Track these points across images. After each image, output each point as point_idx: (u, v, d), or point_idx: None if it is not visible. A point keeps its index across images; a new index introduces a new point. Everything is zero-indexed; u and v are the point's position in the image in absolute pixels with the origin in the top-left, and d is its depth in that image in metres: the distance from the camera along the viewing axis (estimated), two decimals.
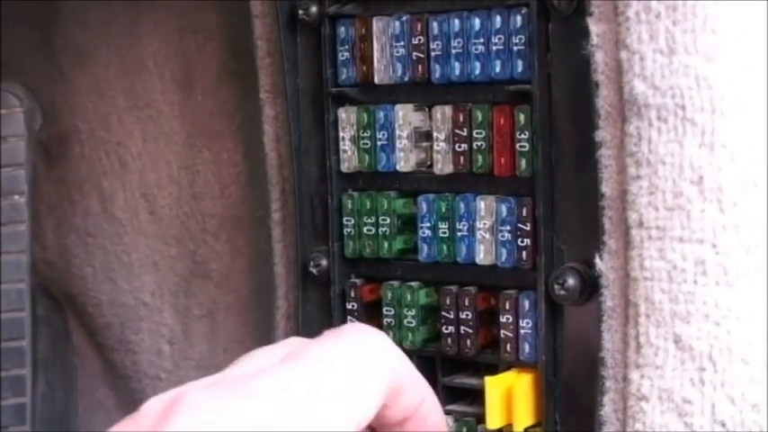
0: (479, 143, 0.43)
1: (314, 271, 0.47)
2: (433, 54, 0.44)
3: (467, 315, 0.44)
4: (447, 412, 0.45)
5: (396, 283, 0.46)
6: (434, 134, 0.44)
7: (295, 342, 0.36)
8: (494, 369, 0.44)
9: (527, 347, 0.42)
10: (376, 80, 0.45)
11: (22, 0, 0.60)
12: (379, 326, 0.46)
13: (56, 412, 0.58)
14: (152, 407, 0.31)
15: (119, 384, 0.60)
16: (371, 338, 0.35)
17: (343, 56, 0.46)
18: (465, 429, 0.44)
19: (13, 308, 0.54)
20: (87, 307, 0.60)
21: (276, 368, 0.31)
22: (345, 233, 0.46)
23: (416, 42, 0.44)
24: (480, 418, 0.44)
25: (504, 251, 0.43)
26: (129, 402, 0.60)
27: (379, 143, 0.45)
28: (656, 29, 0.36)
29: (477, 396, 0.45)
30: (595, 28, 0.38)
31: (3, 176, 0.55)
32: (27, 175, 0.55)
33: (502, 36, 0.42)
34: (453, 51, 0.43)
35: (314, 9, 0.46)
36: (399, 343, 0.45)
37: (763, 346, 0.36)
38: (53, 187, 0.60)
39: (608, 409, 0.39)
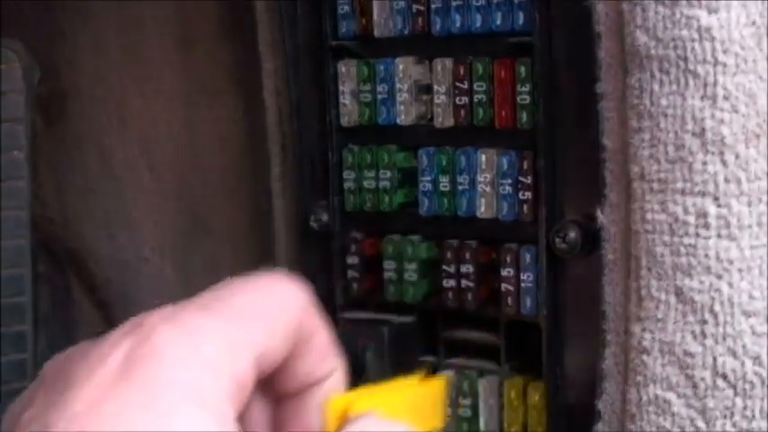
0: (480, 96, 0.43)
1: (314, 225, 0.47)
2: (433, 6, 0.43)
3: (468, 269, 0.43)
4: (448, 366, 0.45)
5: (396, 237, 0.46)
6: (435, 87, 0.44)
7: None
8: (495, 323, 0.44)
9: (528, 301, 0.42)
10: (376, 33, 0.45)
11: None
12: (380, 281, 0.46)
13: None
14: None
15: None
16: (285, 287, 0.33)
17: (342, 9, 0.46)
18: (466, 383, 0.44)
19: (13, 264, 0.54)
20: (88, 263, 0.60)
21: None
22: (346, 187, 0.46)
23: None
24: (482, 372, 0.44)
25: (505, 204, 0.43)
26: None
27: (379, 97, 0.45)
28: None
29: (478, 350, 0.45)
30: None
31: (2, 131, 0.55)
32: (26, 131, 0.55)
33: None
34: (453, 3, 0.43)
35: None
36: (400, 296, 0.45)
37: (765, 298, 0.36)
38: (52, 144, 0.60)
39: (609, 362, 0.39)
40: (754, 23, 0.36)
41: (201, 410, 0.27)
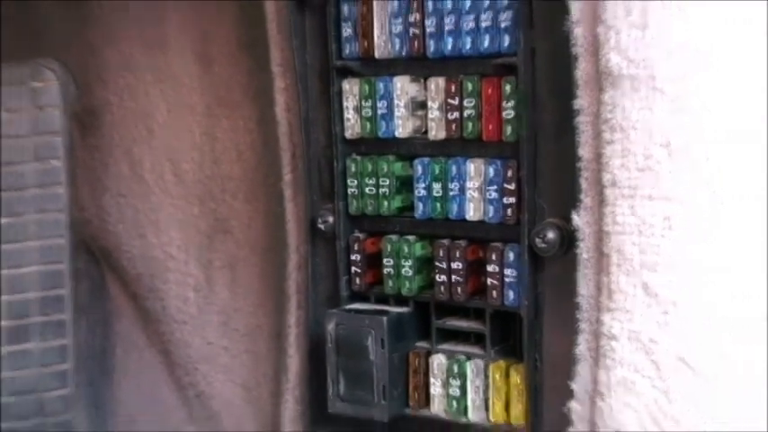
0: (469, 111, 0.43)
1: (321, 227, 0.47)
2: (427, 30, 0.43)
3: (457, 265, 0.44)
4: (439, 351, 0.45)
5: (394, 237, 0.46)
6: (429, 103, 0.44)
7: None
8: (481, 313, 0.44)
9: (511, 294, 0.42)
10: (376, 54, 0.45)
11: None
12: (380, 276, 0.46)
13: (95, 352, 0.58)
14: None
15: (150, 328, 0.61)
16: None
17: (346, 32, 0.45)
18: (456, 366, 0.44)
19: (53, 261, 0.54)
20: (121, 260, 0.60)
21: None
22: (349, 193, 0.46)
23: (413, 20, 0.43)
24: (470, 356, 0.44)
25: (491, 208, 0.43)
26: (159, 343, 0.60)
27: (379, 112, 0.45)
28: (630, 5, 0.36)
29: (466, 337, 0.45)
30: (575, 5, 0.38)
31: (41, 143, 0.55)
32: (63, 142, 0.55)
33: (490, 13, 0.42)
34: (446, 28, 0.43)
35: None
36: (398, 290, 0.45)
37: (725, 292, 0.36)
38: (87, 153, 0.60)
39: (582, 347, 0.39)
40: (719, 44, 0.35)
41: None
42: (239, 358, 0.56)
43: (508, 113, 0.42)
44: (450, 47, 0.43)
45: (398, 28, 0.44)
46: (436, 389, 0.45)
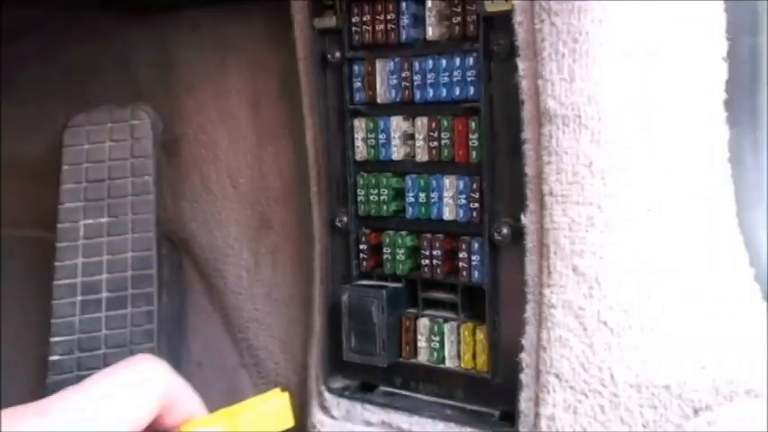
0: (445, 141, 0.42)
1: (338, 224, 0.46)
2: (415, 83, 0.42)
3: (437, 253, 0.42)
4: (424, 316, 0.44)
5: (391, 232, 0.44)
6: (416, 135, 0.43)
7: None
8: (455, 288, 0.43)
9: (476, 274, 0.41)
10: (378, 101, 0.44)
11: (149, 49, 0.60)
12: (381, 261, 0.45)
13: (174, 316, 0.58)
14: None
15: (214, 298, 0.60)
16: (146, 368, 0.30)
17: (356, 85, 0.45)
18: (436, 327, 0.43)
19: (144, 248, 0.54)
20: (194, 248, 0.59)
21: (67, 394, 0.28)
22: (359, 200, 0.45)
23: (404, 75, 0.43)
24: (446, 319, 0.43)
25: (461, 211, 0.42)
26: (221, 309, 0.59)
27: (380, 142, 0.44)
28: (561, 64, 0.35)
29: (444, 305, 0.44)
30: (521, 64, 0.37)
31: (137, 164, 0.55)
32: (153, 163, 0.55)
33: (460, 71, 0.41)
34: (428, 81, 0.42)
35: (338, 54, 0.45)
36: (393, 271, 0.44)
37: (634, 272, 0.35)
38: (170, 171, 0.59)
39: (529, 313, 0.38)
40: (624, 93, 0.35)
41: None
42: (278, 319, 0.56)
43: (473, 143, 0.41)
44: (431, 95, 0.42)
45: (394, 81, 0.43)
46: (422, 343, 0.44)
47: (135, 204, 0.54)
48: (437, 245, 0.42)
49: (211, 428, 0.30)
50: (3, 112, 0.64)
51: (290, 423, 0.33)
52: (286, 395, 0.33)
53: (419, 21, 0.42)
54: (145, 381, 0.29)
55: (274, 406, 0.32)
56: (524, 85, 0.37)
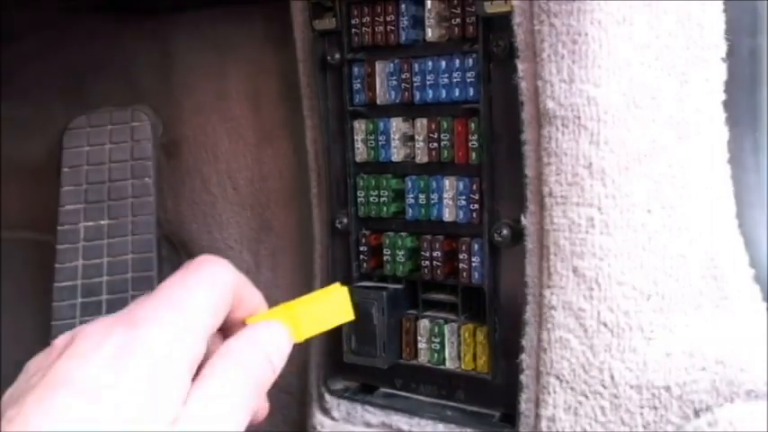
0: (445, 142, 0.42)
1: (339, 226, 0.46)
2: (414, 84, 0.42)
3: (437, 254, 0.42)
4: (424, 317, 0.44)
5: (391, 234, 0.44)
6: (416, 137, 0.43)
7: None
8: (455, 289, 0.43)
9: (476, 274, 0.41)
10: (378, 102, 0.44)
11: (149, 51, 0.60)
12: (381, 262, 0.45)
13: None
14: (59, 341, 0.28)
15: None
16: (213, 269, 0.31)
17: (356, 86, 0.45)
18: (436, 328, 0.43)
19: (145, 250, 0.54)
20: (194, 250, 0.59)
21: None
22: (359, 201, 0.45)
23: (404, 77, 0.43)
24: (446, 320, 0.43)
25: (461, 212, 0.42)
26: None
27: (380, 143, 0.44)
28: (560, 66, 0.35)
29: (444, 306, 0.44)
30: (521, 65, 0.37)
31: (137, 165, 0.55)
32: (153, 165, 0.55)
33: (459, 72, 0.41)
34: (428, 83, 0.42)
35: (338, 56, 0.45)
36: (394, 272, 0.44)
37: (632, 273, 0.35)
38: (171, 173, 0.59)
39: (529, 314, 0.38)
40: (624, 94, 0.35)
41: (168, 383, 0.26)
42: None
43: (473, 144, 0.41)
44: (430, 96, 0.42)
45: (393, 83, 0.43)
46: (422, 344, 0.44)
47: (135, 206, 0.55)
48: (437, 246, 0.42)
49: (275, 320, 0.31)
50: (3, 114, 0.64)
51: (351, 317, 0.35)
52: (345, 289, 0.35)
53: (418, 22, 0.42)
54: (216, 281, 0.30)
55: (333, 300, 0.34)
56: (524, 86, 0.37)
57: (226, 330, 0.32)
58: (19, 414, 0.24)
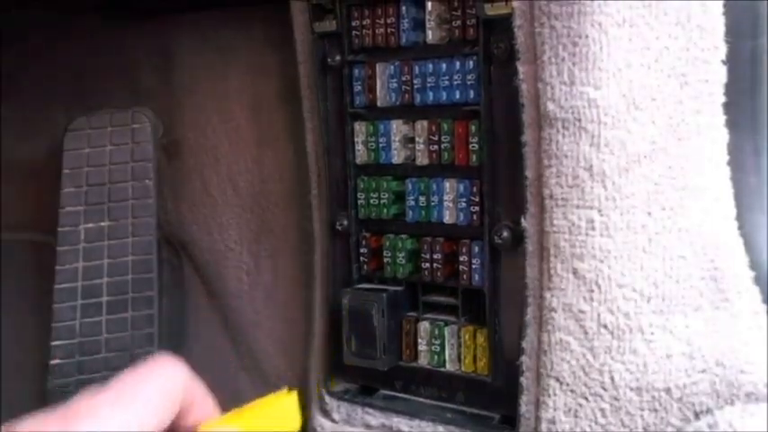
0: (445, 144, 0.42)
1: (339, 228, 0.46)
2: (415, 86, 0.42)
3: (437, 256, 0.43)
4: (424, 319, 0.44)
5: (392, 236, 0.44)
6: (416, 139, 0.43)
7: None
8: (455, 291, 0.43)
9: (476, 277, 0.41)
10: (378, 104, 0.44)
11: (150, 53, 0.60)
12: (381, 264, 0.45)
13: (174, 320, 0.58)
14: None
15: (214, 301, 0.60)
16: (165, 370, 0.30)
17: (356, 88, 0.45)
18: (436, 330, 0.43)
19: (144, 252, 0.54)
20: (194, 251, 0.59)
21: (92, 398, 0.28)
22: (359, 203, 0.45)
23: (404, 79, 0.43)
24: (446, 323, 0.43)
25: (462, 214, 0.42)
26: (221, 312, 0.59)
27: (380, 145, 0.44)
28: (561, 68, 0.35)
29: (444, 308, 0.44)
30: (521, 68, 0.37)
31: (137, 167, 0.55)
32: (153, 167, 0.55)
33: (460, 74, 0.41)
34: (428, 85, 0.42)
35: (338, 58, 0.45)
36: (394, 274, 0.44)
37: (632, 275, 0.35)
38: (171, 175, 0.59)
39: (529, 316, 0.38)
40: (624, 96, 0.35)
41: None
42: (278, 323, 0.56)
43: (474, 146, 0.41)
44: (431, 98, 0.42)
45: (394, 85, 0.43)
46: (422, 346, 0.44)
47: (135, 208, 0.55)
48: (437, 248, 0.42)
49: (226, 428, 0.31)
50: (3, 115, 0.64)
51: (297, 425, 0.33)
52: (294, 396, 0.33)
53: (419, 24, 0.42)
54: (166, 382, 0.29)
55: (282, 407, 0.33)
56: (524, 88, 0.37)
57: None
58: None
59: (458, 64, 0.41)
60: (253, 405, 0.33)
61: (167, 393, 0.29)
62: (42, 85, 0.64)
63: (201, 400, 0.31)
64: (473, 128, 0.41)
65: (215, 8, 0.57)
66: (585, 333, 0.36)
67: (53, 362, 0.52)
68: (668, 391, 0.35)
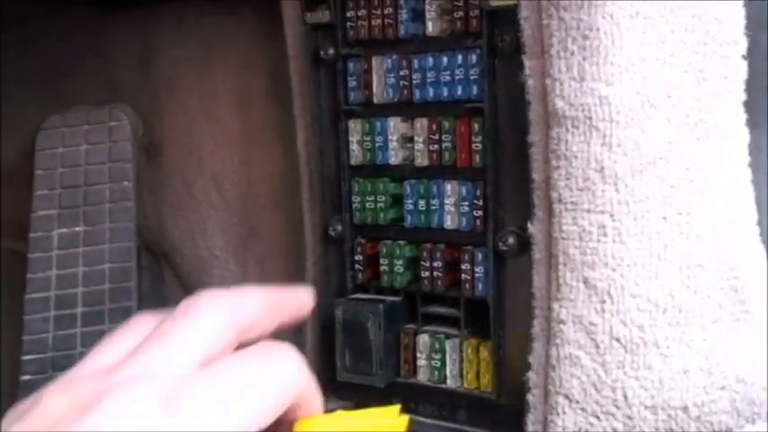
0: (446, 144, 0.42)
1: (332, 233, 0.46)
2: (414, 82, 0.42)
3: (438, 264, 0.43)
4: (423, 332, 0.44)
5: (389, 242, 0.44)
6: (415, 138, 0.43)
7: (148, 323, 0.29)
8: (457, 301, 0.43)
9: (480, 286, 0.41)
10: (375, 101, 0.44)
11: (129, 46, 0.60)
12: (377, 272, 0.45)
13: None
14: (12, 412, 0.26)
15: None
16: (281, 365, 0.28)
17: (351, 84, 0.45)
18: (437, 343, 0.43)
19: (123, 260, 0.54)
20: (176, 259, 0.59)
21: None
22: (354, 207, 0.45)
23: (403, 74, 0.43)
24: (448, 336, 0.43)
25: (464, 219, 0.42)
26: None
27: (377, 145, 0.44)
28: (570, 62, 0.35)
29: (445, 320, 0.44)
30: (528, 62, 0.37)
31: (115, 168, 0.55)
32: (132, 168, 0.55)
33: (462, 69, 0.41)
34: (428, 80, 0.42)
35: (331, 51, 0.45)
36: (391, 283, 0.44)
37: (646, 285, 0.35)
38: (151, 176, 0.59)
39: (537, 329, 0.38)
40: (638, 92, 0.35)
41: None
42: (266, 336, 0.56)
43: (477, 145, 0.41)
44: (431, 94, 0.42)
45: (392, 80, 0.43)
46: (422, 361, 0.44)
47: (113, 212, 0.55)
48: (438, 255, 0.42)
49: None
50: None
51: None
52: (406, 420, 0.33)
53: (418, 15, 0.42)
54: (281, 380, 0.28)
55: (389, 426, 0.33)
56: (531, 84, 0.37)
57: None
58: None
59: (460, 58, 0.41)
60: (358, 414, 0.32)
61: (281, 391, 0.28)
62: (13, 80, 0.64)
63: (311, 401, 0.30)
64: (476, 126, 0.41)
65: None
66: (597, 347, 0.36)
67: (24, 377, 0.52)
68: (685, 409, 0.35)
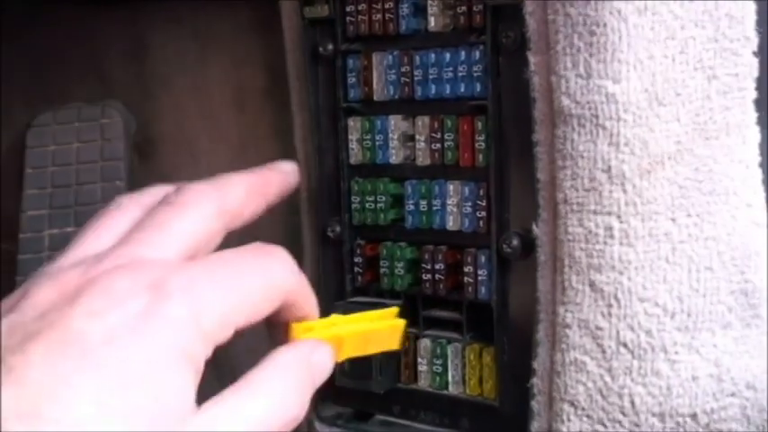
0: (449, 143, 0.42)
1: (330, 235, 0.46)
2: (415, 78, 0.42)
3: (440, 266, 0.42)
4: (425, 336, 0.44)
5: (389, 244, 0.44)
6: (416, 137, 0.43)
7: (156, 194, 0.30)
8: (459, 305, 0.43)
9: (483, 290, 0.41)
10: (375, 98, 0.44)
11: (121, 40, 0.60)
12: (377, 275, 0.45)
13: None
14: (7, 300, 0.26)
15: None
16: (271, 264, 0.29)
17: (351, 80, 0.45)
18: (438, 348, 0.43)
19: None
20: None
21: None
22: (353, 208, 0.45)
23: (404, 70, 0.43)
24: (450, 340, 0.43)
25: (466, 220, 0.41)
26: None
27: (377, 143, 0.44)
28: (576, 59, 0.35)
29: (447, 324, 0.44)
30: (533, 59, 0.37)
31: (107, 167, 0.55)
32: (125, 167, 0.55)
33: (465, 65, 0.41)
34: (430, 77, 0.42)
35: (330, 46, 0.45)
36: (392, 286, 0.44)
37: (654, 288, 0.35)
38: (144, 175, 0.59)
39: (541, 333, 0.38)
40: (646, 90, 0.35)
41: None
42: (263, 341, 0.55)
43: (480, 144, 0.41)
44: (433, 91, 0.42)
45: (392, 77, 0.43)
46: (423, 367, 0.44)
47: None
48: (440, 258, 0.42)
49: (323, 342, 0.31)
50: None
51: (396, 346, 0.35)
52: (403, 323, 0.35)
53: (420, 10, 0.42)
54: (272, 276, 0.29)
55: (387, 328, 0.34)
56: (536, 81, 0.37)
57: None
58: (23, 365, 0.23)
59: (463, 54, 0.41)
60: (355, 317, 0.34)
61: (270, 291, 0.29)
62: (2, 76, 0.64)
63: (303, 302, 0.31)
64: (479, 125, 0.41)
65: None
66: (603, 352, 0.36)
67: None
68: (694, 416, 0.35)
